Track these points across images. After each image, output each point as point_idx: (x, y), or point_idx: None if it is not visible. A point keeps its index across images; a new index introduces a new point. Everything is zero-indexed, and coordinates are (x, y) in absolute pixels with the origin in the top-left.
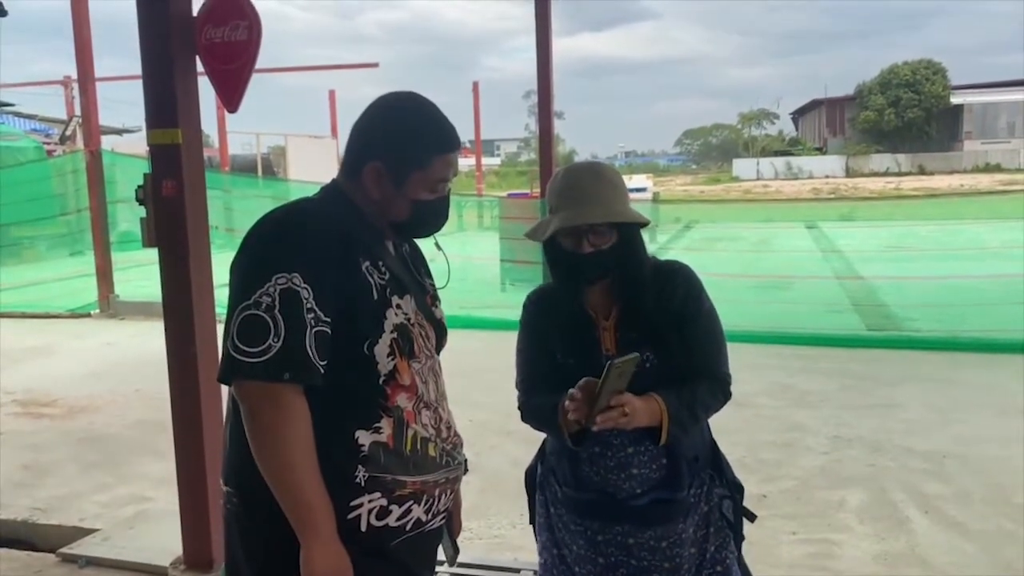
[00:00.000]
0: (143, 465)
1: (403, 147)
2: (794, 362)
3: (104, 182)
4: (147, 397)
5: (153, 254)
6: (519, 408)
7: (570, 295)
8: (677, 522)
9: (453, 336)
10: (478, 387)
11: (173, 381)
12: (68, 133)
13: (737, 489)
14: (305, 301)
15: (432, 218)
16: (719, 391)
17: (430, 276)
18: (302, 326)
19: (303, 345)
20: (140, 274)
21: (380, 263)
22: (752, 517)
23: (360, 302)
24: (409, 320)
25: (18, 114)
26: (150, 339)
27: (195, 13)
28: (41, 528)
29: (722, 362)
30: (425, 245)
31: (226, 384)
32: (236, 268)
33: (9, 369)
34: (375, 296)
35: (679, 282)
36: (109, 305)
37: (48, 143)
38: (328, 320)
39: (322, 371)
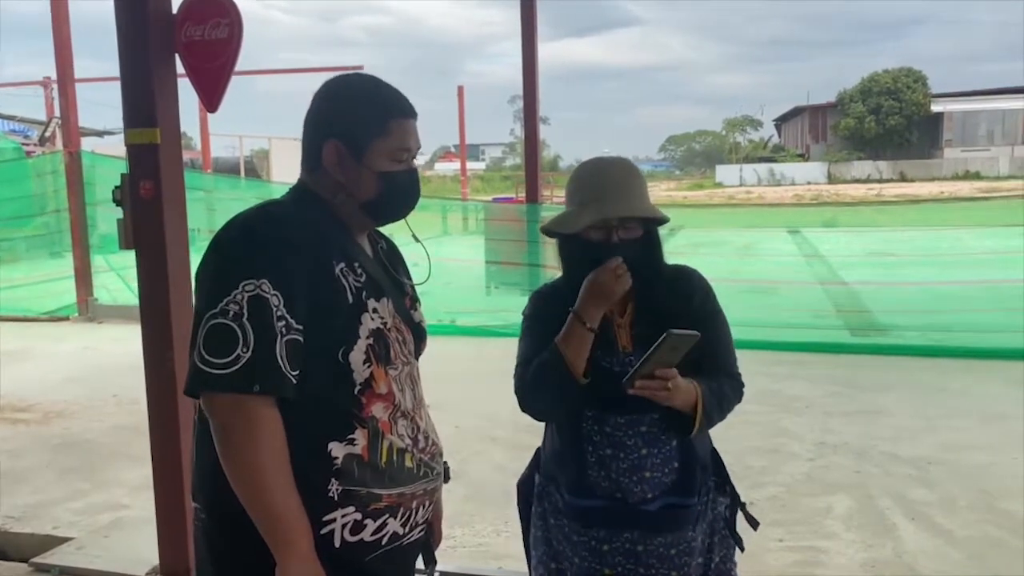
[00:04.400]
0: (119, 471)
1: (357, 118)
2: (779, 368)
3: (83, 183)
4: (125, 402)
5: (134, 258)
6: (517, 389)
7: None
8: (687, 529)
9: (437, 341)
10: (462, 393)
11: (150, 387)
12: (48, 134)
13: (736, 496)
14: (275, 308)
15: (403, 192)
16: (738, 392)
17: (408, 276)
18: (272, 335)
19: (273, 355)
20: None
21: (355, 264)
22: (755, 524)
23: (334, 307)
24: (386, 324)
25: None
26: (129, 343)
27: (175, 11)
28: (14, 537)
29: (735, 364)
30: (401, 240)
31: (193, 397)
32: (201, 275)
33: None
34: (350, 300)
35: (695, 284)
36: (88, 308)
37: (27, 144)
38: (300, 328)
39: (294, 381)
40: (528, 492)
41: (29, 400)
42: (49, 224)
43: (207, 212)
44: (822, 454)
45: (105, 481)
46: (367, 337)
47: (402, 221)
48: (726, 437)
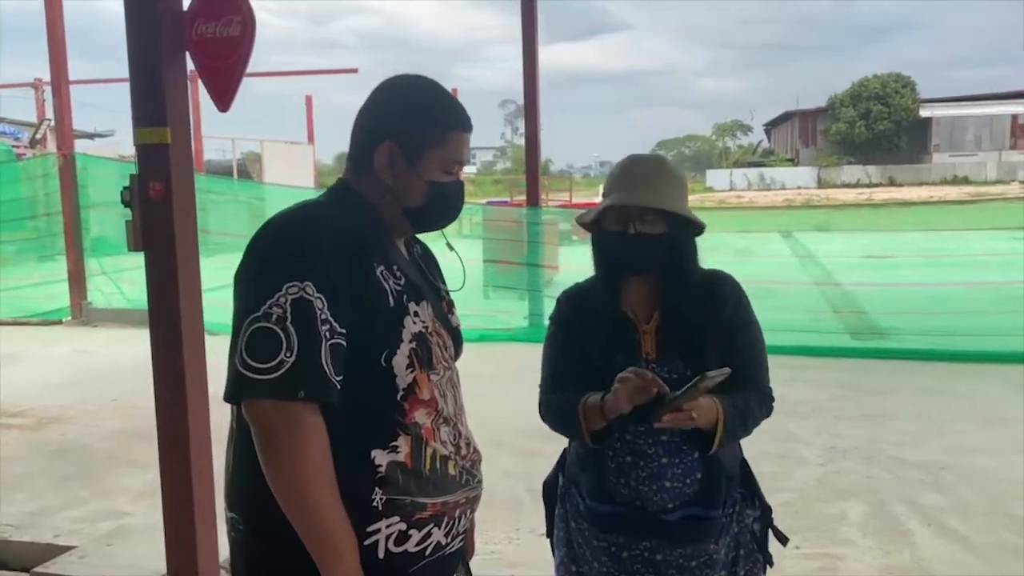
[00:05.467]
0: (120, 478)
1: (417, 123)
2: (781, 371)
3: (77, 186)
4: (122, 406)
5: (128, 260)
6: (540, 407)
7: (612, 288)
8: (709, 542)
9: None
10: (466, 398)
11: (159, 392)
12: (38, 136)
13: (767, 510)
14: (319, 312)
15: (449, 203)
16: (765, 404)
17: (444, 280)
18: (316, 339)
19: (318, 360)
20: (109, 281)
21: (395, 267)
22: (784, 540)
23: (376, 310)
24: (427, 328)
25: None
26: (124, 347)
27: (185, 7)
28: (13, 546)
29: (766, 376)
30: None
31: (235, 403)
32: (242, 277)
33: None
34: (391, 303)
35: (728, 292)
36: (81, 312)
37: (17, 146)
38: (343, 332)
39: (339, 387)
40: (552, 492)
41: (22, 405)
42: (39, 228)
43: (200, 212)
44: (832, 459)
45: (105, 488)
46: (410, 341)
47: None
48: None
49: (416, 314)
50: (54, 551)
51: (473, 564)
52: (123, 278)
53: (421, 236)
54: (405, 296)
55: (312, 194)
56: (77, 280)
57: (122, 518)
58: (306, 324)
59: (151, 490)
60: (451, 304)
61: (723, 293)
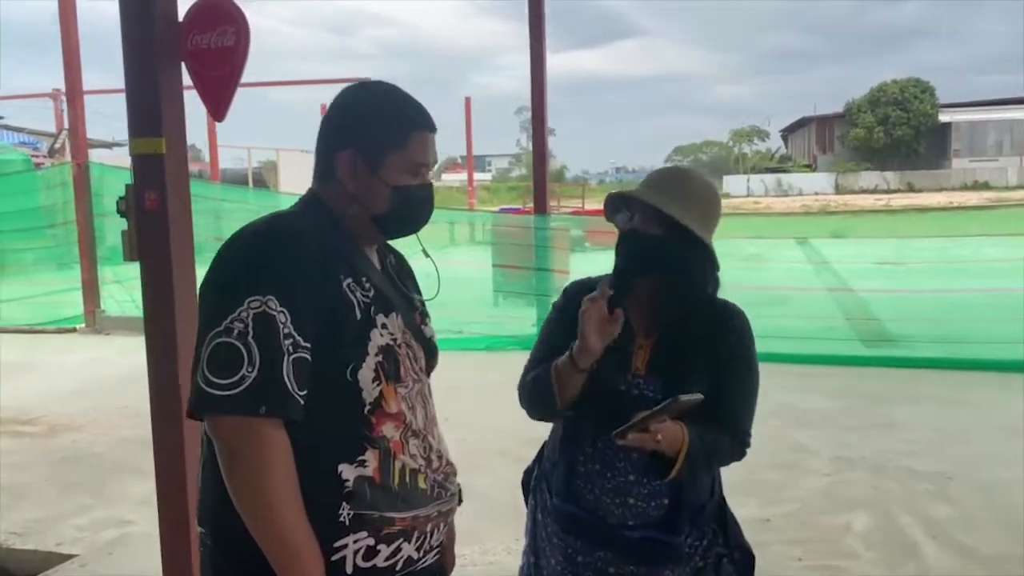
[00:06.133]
0: (125, 486)
1: (376, 128)
2: (791, 380)
3: (91, 195)
4: (132, 415)
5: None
6: (519, 388)
7: (618, 293)
8: (665, 567)
9: (443, 354)
10: (470, 407)
11: (154, 402)
12: (57, 146)
13: (746, 554)
14: (282, 326)
15: (417, 207)
16: (736, 451)
17: (418, 290)
18: (279, 354)
19: (280, 375)
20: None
21: (364, 279)
22: None
23: (342, 323)
24: (395, 340)
25: (6, 127)
26: (136, 355)
27: (181, 18)
28: (16, 553)
29: (748, 421)
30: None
31: (197, 419)
32: (205, 291)
33: None
34: (358, 316)
35: (735, 325)
36: (95, 320)
37: (36, 156)
38: (307, 346)
39: (302, 402)
40: (528, 482)
41: (34, 413)
42: (58, 236)
43: (215, 219)
44: (839, 469)
45: (110, 496)
46: (376, 354)
47: (413, 236)
48: (750, 446)
49: (384, 326)
50: (56, 559)
51: (472, 575)
52: (136, 286)
53: (396, 243)
54: (373, 308)
55: None
56: (91, 288)
57: (125, 526)
58: (268, 339)
59: (155, 499)
60: (425, 315)
61: (730, 325)
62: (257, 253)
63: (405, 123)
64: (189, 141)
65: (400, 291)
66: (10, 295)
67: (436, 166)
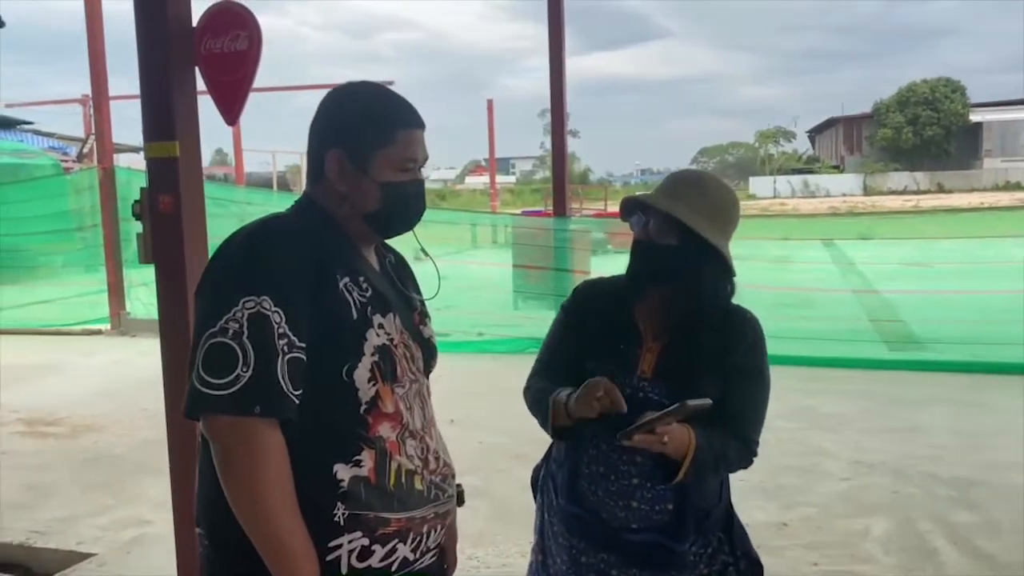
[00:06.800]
0: (145, 486)
1: (361, 126)
2: (812, 383)
3: (117, 199)
4: (152, 416)
5: None
6: (524, 390)
7: (628, 296)
8: (668, 573)
9: (463, 357)
10: (488, 408)
11: (169, 403)
12: (85, 151)
13: (753, 563)
14: (276, 326)
15: (407, 204)
16: (744, 458)
17: (418, 290)
18: (273, 354)
19: (275, 375)
20: (151, 291)
21: (361, 279)
22: None
23: (338, 323)
24: (392, 341)
25: (37, 132)
26: (158, 357)
27: (195, 23)
28: (38, 552)
29: (756, 430)
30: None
31: (193, 419)
32: (200, 292)
33: (16, 387)
34: (354, 315)
35: (747, 332)
36: (120, 322)
37: (65, 161)
38: (303, 346)
39: (296, 402)
40: (536, 480)
41: (58, 414)
42: (87, 239)
43: (239, 222)
44: (858, 473)
45: (131, 496)
46: (372, 354)
47: (410, 234)
48: (759, 455)
49: (381, 326)
50: (75, 558)
51: None
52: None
53: (395, 244)
54: (369, 308)
55: None
56: (116, 291)
57: (144, 526)
58: (263, 339)
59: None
60: (424, 315)
61: (742, 331)
62: (252, 253)
63: (391, 120)
64: (216, 145)
65: (399, 291)
66: (40, 297)
67: (426, 162)
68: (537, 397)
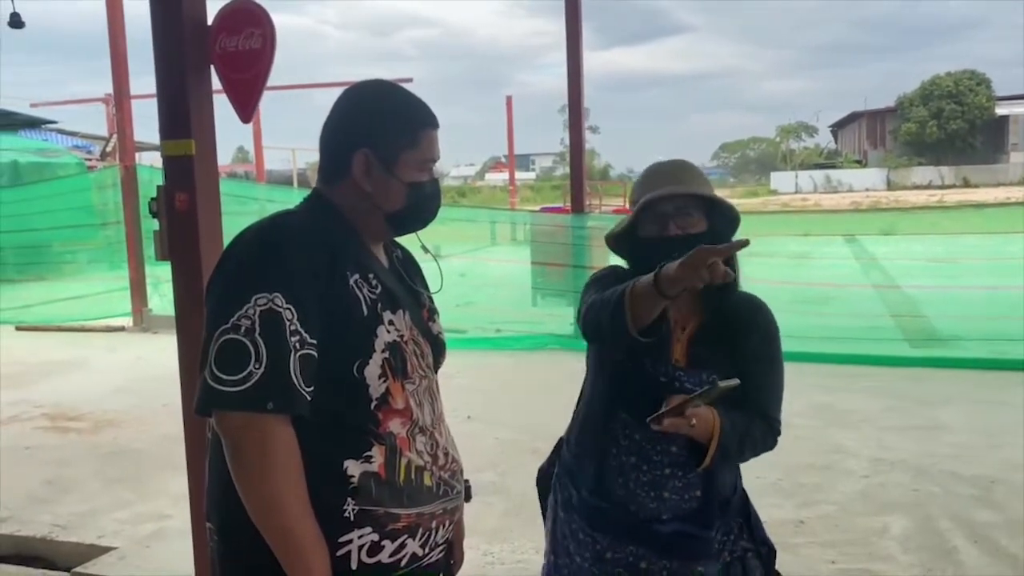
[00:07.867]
0: (165, 481)
1: (389, 128)
2: (833, 380)
3: (138, 196)
4: (173, 412)
5: None
6: (580, 321)
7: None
8: (697, 561)
9: (481, 353)
10: (505, 405)
11: (186, 399)
12: (108, 149)
13: (769, 549)
14: (288, 323)
15: (429, 202)
16: (769, 436)
17: (426, 286)
18: (285, 350)
19: (287, 371)
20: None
21: (370, 275)
22: None
23: (348, 320)
24: (402, 337)
25: (61, 131)
26: None
27: (210, 22)
28: (59, 545)
29: (777, 409)
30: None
31: (205, 415)
32: (212, 289)
33: (40, 382)
34: (364, 312)
35: (760, 319)
36: (142, 319)
37: (89, 159)
38: (314, 342)
39: (308, 398)
40: (547, 481)
41: (81, 409)
42: (110, 236)
43: (257, 218)
44: (878, 471)
45: (151, 491)
46: (383, 350)
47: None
48: (777, 452)
49: (391, 323)
50: (96, 551)
51: (500, 573)
52: None
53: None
54: (380, 305)
55: None
56: (138, 288)
57: (163, 521)
58: (275, 335)
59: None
60: (433, 312)
61: (756, 317)
62: (262, 252)
63: (415, 121)
64: (237, 143)
65: (407, 287)
66: (65, 293)
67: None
68: (606, 300)
